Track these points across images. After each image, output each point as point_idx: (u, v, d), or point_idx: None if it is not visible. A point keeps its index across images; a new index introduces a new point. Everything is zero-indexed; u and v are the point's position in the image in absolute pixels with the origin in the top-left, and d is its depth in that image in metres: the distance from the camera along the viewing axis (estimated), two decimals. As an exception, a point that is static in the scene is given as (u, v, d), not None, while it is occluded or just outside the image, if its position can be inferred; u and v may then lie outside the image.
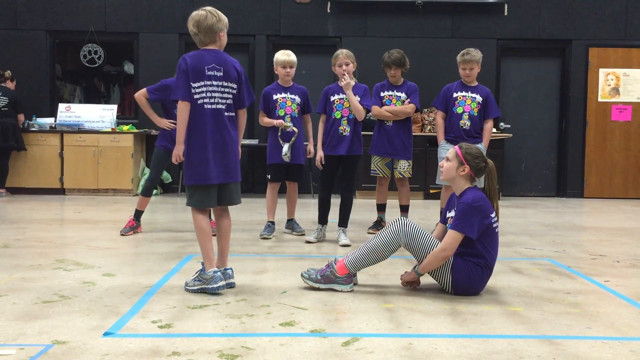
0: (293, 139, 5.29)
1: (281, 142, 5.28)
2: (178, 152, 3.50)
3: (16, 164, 8.73)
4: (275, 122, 5.27)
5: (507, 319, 3.01)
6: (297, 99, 5.40)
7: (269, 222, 5.41)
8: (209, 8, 3.47)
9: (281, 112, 5.35)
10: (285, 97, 5.37)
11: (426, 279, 3.63)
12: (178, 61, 3.47)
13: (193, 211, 3.48)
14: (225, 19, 3.51)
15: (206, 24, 3.41)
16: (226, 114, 3.45)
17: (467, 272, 3.32)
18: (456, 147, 3.51)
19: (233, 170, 3.49)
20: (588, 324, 2.95)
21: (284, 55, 5.34)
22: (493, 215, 3.38)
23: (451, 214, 3.44)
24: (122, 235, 5.36)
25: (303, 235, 5.42)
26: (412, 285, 3.52)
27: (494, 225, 3.39)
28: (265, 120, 5.39)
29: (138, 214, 5.51)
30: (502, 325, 2.90)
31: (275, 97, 5.37)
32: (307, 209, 7.43)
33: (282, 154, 5.21)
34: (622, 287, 3.70)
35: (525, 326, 2.89)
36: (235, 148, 3.51)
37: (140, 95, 5.44)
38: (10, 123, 8.51)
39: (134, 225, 5.47)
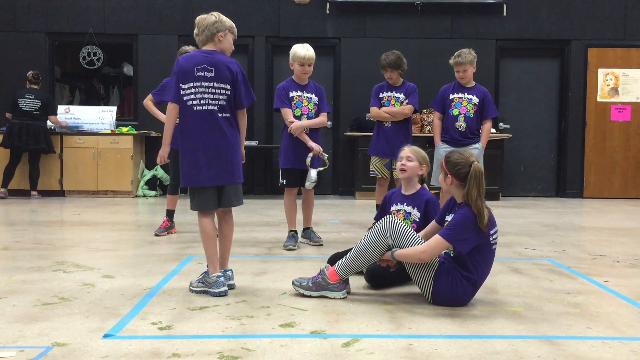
0: (321, 168, 4.89)
1: (308, 166, 4.81)
2: (162, 153, 3.57)
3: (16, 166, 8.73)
4: (315, 147, 4.82)
5: (507, 319, 3.01)
6: (314, 98, 4.98)
7: (291, 231, 4.99)
8: (214, 12, 3.51)
9: (297, 112, 4.92)
10: (301, 96, 4.94)
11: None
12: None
13: (198, 215, 3.47)
14: (229, 22, 3.48)
15: (204, 22, 3.43)
16: (220, 115, 3.40)
17: (451, 282, 3.15)
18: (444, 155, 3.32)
19: (230, 171, 3.44)
20: (588, 324, 2.95)
21: (303, 50, 4.83)
22: (494, 231, 3.18)
23: (449, 217, 3.30)
24: (156, 235, 5.42)
25: (321, 245, 5.03)
26: (386, 264, 3.31)
27: (492, 242, 3.20)
28: (295, 125, 4.82)
29: (170, 213, 5.57)
30: (502, 326, 2.90)
31: (291, 94, 4.94)
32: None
33: (311, 180, 4.80)
34: (622, 287, 3.70)
35: (525, 326, 2.89)
36: (233, 149, 3.45)
37: (147, 100, 5.60)
38: (41, 127, 8.52)
39: (168, 225, 5.54)
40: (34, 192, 8.58)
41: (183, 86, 3.38)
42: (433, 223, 3.45)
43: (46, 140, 8.53)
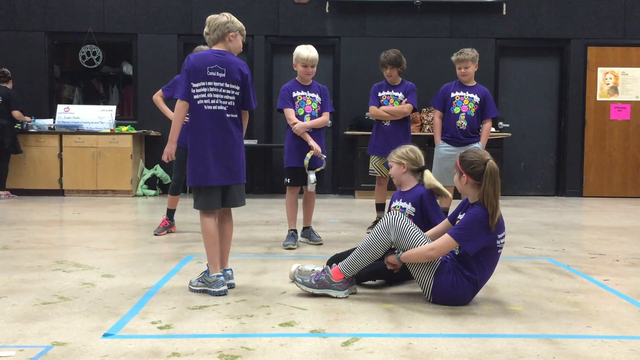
0: (319, 169, 4.91)
1: (306, 169, 4.84)
2: (169, 151, 3.53)
3: (15, 165, 8.73)
4: (314, 146, 4.82)
5: (506, 318, 3.01)
6: (318, 97, 5.00)
7: (291, 230, 4.99)
8: (225, 13, 3.55)
9: (300, 111, 4.93)
10: (304, 96, 4.96)
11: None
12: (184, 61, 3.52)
13: (200, 214, 3.47)
14: (239, 24, 3.53)
15: (216, 22, 3.46)
16: (228, 115, 3.43)
17: (452, 281, 3.14)
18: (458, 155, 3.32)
19: (236, 171, 3.47)
20: (588, 322, 2.95)
21: (306, 51, 4.85)
22: (502, 235, 3.18)
23: (461, 216, 3.27)
24: (155, 235, 5.42)
25: (321, 245, 5.03)
26: (393, 268, 3.39)
27: (499, 245, 3.19)
28: (299, 125, 4.84)
29: (170, 212, 5.58)
30: (501, 325, 2.90)
31: (294, 94, 4.96)
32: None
33: (311, 183, 4.82)
34: (621, 286, 3.70)
35: (525, 325, 2.89)
36: (239, 150, 3.48)
37: (157, 95, 5.59)
38: (5, 124, 8.41)
39: (168, 224, 5.54)
40: (0, 192, 8.53)
41: (194, 85, 3.39)
42: (445, 221, 3.46)
43: (1, 138, 8.37)
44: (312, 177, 4.84)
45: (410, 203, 3.82)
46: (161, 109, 5.59)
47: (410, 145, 4.05)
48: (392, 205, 3.96)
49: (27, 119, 8.78)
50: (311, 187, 4.90)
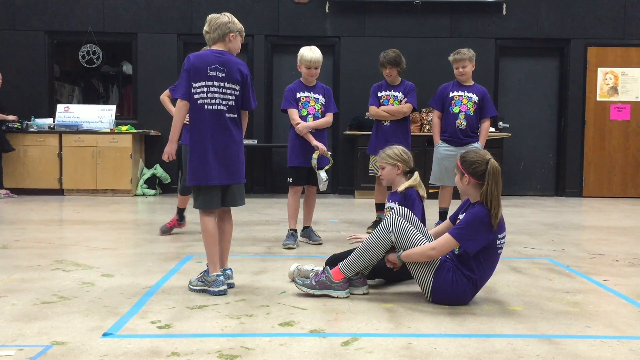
0: (327, 167, 4.94)
1: (315, 168, 4.86)
2: (170, 150, 3.53)
3: (15, 165, 8.73)
4: (319, 145, 4.87)
5: (506, 318, 3.01)
6: (321, 98, 5.05)
7: (291, 230, 4.99)
8: (226, 13, 3.56)
9: (304, 112, 4.98)
10: (308, 96, 5.01)
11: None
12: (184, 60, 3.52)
13: (200, 214, 3.48)
14: (239, 25, 3.55)
15: (217, 21, 3.47)
16: (228, 115, 3.44)
17: (451, 280, 3.14)
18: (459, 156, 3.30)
19: (235, 171, 3.48)
20: (587, 323, 2.95)
21: (310, 53, 4.89)
22: (502, 235, 3.18)
23: (462, 216, 3.26)
24: (162, 234, 5.42)
25: (320, 244, 5.03)
26: (392, 266, 3.38)
27: (499, 245, 3.19)
28: (302, 126, 4.90)
29: (180, 212, 5.58)
30: (501, 325, 2.90)
31: (298, 95, 5.02)
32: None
33: (324, 180, 4.84)
34: (621, 286, 3.70)
35: (525, 325, 2.89)
36: (239, 149, 3.49)
37: (164, 95, 5.60)
38: None
39: (176, 224, 5.55)
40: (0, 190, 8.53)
41: (194, 85, 3.40)
42: (446, 221, 3.47)
43: None
44: (323, 175, 4.88)
45: (397, 202, 3.87)
46: (168, 108, 5.59)
47: (400, 146, 4.09)
48: (386, 207, 4.03)
49: (10, 117, 8.66)
50: (323, 186, 4.92)
